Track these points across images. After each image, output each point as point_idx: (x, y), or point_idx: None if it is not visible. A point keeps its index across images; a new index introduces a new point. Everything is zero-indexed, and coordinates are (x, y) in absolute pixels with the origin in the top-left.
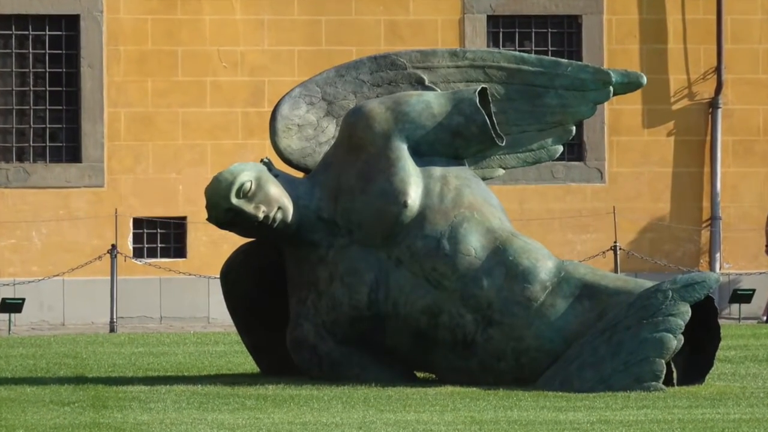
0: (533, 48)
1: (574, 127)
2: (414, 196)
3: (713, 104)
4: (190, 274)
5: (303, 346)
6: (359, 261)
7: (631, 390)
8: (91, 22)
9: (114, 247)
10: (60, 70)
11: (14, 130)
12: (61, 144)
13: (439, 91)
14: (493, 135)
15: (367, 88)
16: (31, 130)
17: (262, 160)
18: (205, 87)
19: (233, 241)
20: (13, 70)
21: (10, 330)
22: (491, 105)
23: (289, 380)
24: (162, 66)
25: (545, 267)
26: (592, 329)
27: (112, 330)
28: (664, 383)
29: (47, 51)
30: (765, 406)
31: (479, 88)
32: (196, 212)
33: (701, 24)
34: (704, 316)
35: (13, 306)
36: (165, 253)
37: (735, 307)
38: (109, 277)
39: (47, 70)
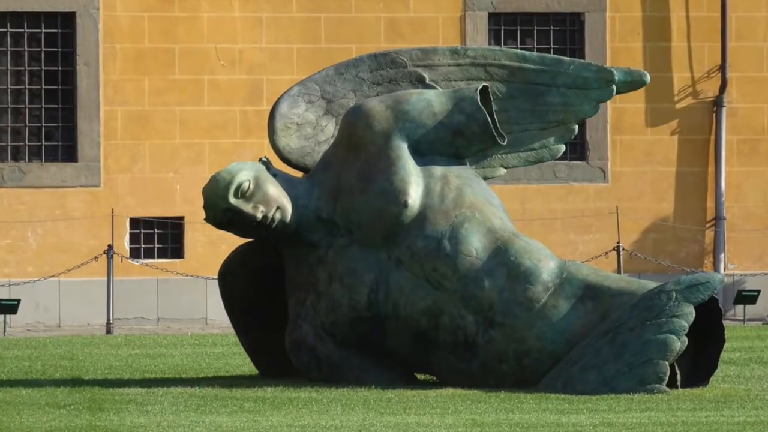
0: (535, 46)
1: (576, 126)
2: (414, 196)
3: (717, 103)
4: (187, 275)
5: (302, 348)
6: (359, 261)
7: (635, 392)
8: (87, 20)
9: (110, 247)
10: (56, 68)
11: (9, 129)
12: (56, 143)
13: (439, 89)
14: (495, 134)
15: (367, 87)
16: (27, 129)
17: (260, 160)
18: (203, 85)
19: (231, 241)
20: (8, 68)
21: (5, 331)
22: (492, 103)
23: (287, 382)
24: (159, 64)
25: (547, 268)
26: (594, 331)
27: (108, 331)
28: (667, 385)
29: (43, 49)
30: None
31: (480, 87)
32: (193, 212)
33: (705, 21)
34: (708, 318)
35: (8, 307)
36: (162, 254)
37: (740, 308)
38: (105, 278)
39: (43, 68)
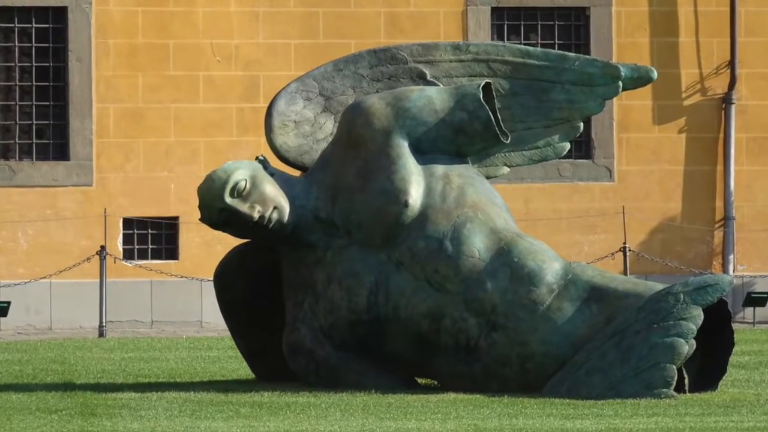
0: (539, 41)
1: (581, 124)
2: (415, 196)
3: (726, 100)
4: (182, 277)
5: (299, 352)
6: (358, 263)
7: (641, 397)
8: (80, 14)
9: (103, 248)
10: (47, 64)
11: None
12: (48, 141)
13: (441, 86)
14: (498, 132)
15: (367, 83)
16: (17, 126)
17: (257, 158)
18: (198, 82)
19: (227, 242)
20: None
21: None
22: (495, 100)
23: (285, 387)
24: (153, 60)
25: (552, 269)
26: (600, 334)
27: (101, 335)
28: (675, 390)
29: (33, 44)
30: None
31: (483, 83)
32: (188, 212)
33: (714, 16)
34: (717, 320)
35: None
36: (156, 255)
37: (749, 310)
38: (98, 280)
39: (33, 64)
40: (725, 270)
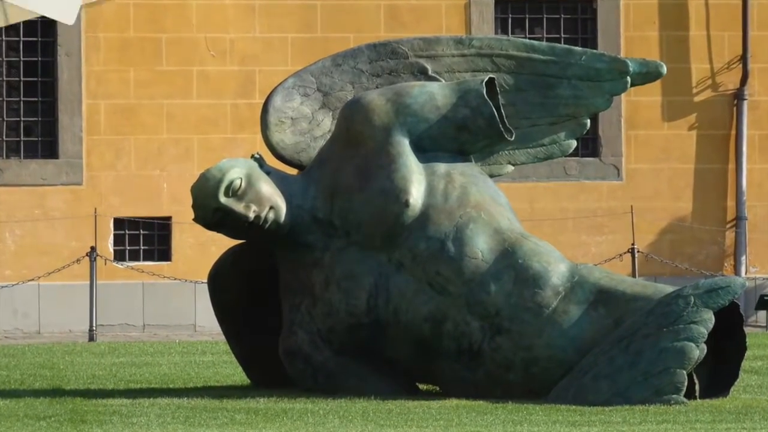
0: (545, 35)
1: (588, 121)
2: (416, 195)
3: (738, 95)
4: (175, 279)
5: (297, 356)
6: (357, 264)
7: (650, 403)
8: None
9: (93, 249)
10: (35, 58)
11: None
12: (36, 138)
13: (443, 81)
14: (502, 129)
15: (366, 79)
16: (4, 123)
17: (252, 156)
18: (192, 77)
19: (221, 242)
20: None
21: None
22: (499, 96)
23: (281, 393)
24: (145, 54)
25: (557, 271)
26: (608, 338)
27: (91, 339)
28: (685, 396)
29: (21, 38)
30: None
31: (486, 79)
32: (181, 212)
33: (725, 9)
34: (729, 324)
35: None
36: (148, 256)
37: (762, 314)
38: (88, 282)
39: (21, 59)
40: (737, 272)
